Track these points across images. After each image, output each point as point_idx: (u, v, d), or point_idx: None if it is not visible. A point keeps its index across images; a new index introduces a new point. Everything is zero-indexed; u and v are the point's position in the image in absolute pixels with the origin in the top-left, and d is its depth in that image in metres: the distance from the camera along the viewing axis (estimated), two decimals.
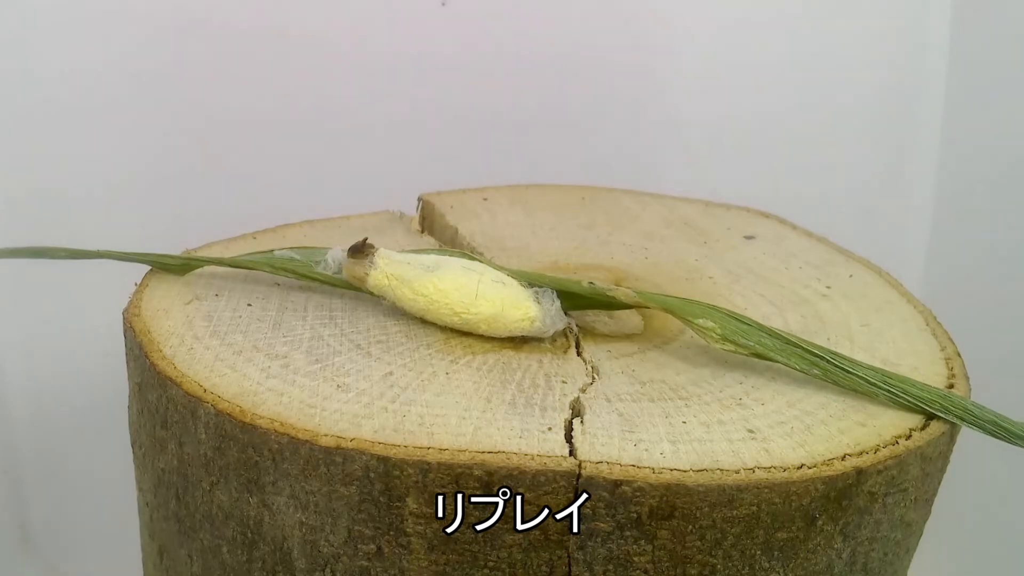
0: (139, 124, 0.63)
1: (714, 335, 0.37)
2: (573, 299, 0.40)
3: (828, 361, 0.36)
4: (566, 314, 0.39)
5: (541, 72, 0.68)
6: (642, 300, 0.38)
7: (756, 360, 0.37)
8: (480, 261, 0.40)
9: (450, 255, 0.41)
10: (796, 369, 0.36)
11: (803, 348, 0.37)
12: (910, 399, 0.35)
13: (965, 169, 0.71)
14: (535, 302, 0.38)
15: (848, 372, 0.36)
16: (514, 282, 0.39)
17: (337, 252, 0.41)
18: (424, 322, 0.40)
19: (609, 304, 0.40)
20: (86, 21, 0.61)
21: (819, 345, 0.37)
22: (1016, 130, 0.66)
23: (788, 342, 0.37)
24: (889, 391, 0.35)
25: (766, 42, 0.70)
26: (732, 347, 0.37)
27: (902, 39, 0.72)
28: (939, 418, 0.35)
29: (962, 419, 0.35)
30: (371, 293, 0.40)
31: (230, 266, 0.43)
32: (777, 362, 0.37)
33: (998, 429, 0.35)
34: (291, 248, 0.43)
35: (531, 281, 0.40)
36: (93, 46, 0.61)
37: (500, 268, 0.40)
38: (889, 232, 0.74)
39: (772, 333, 0.37)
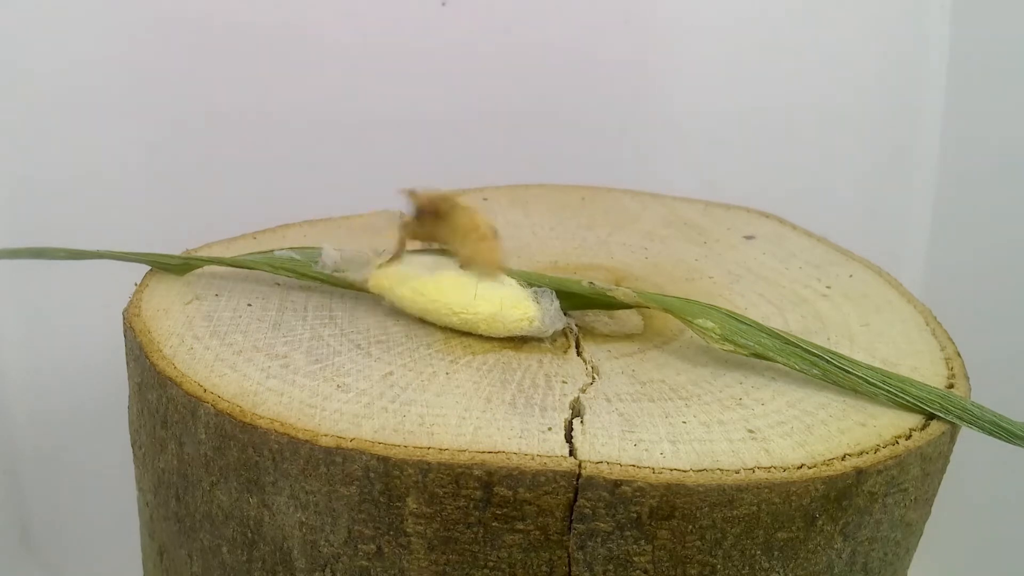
0: (138, 123, 0.63)
1: (714, 335, 0.37)
2: (573, 299, 0.40)
3: (827, 361, 0.36)
4: (566, 314, 0.39)
5: (541, 72, 0.68)
6: (642, 300, 0.38)
7: (756, 360, 0.37)
8: None
9: (450, 256, 0.41)
10: (795, 369, 0.36)
11: (802, 348, 0.37)
12: (909, 399, 0.35)
13: (965, 169, 0.71)
14: (534, 302, 0.38)
15: (847, 372, 0.36)
16: (513, 282, 0.39)
17: (331, 251, 0.41)
18: (424, 322, 0.40)
19: (609, 304, 0.40)
20: (86, 20, 0.61)
21: (818, 345, 0.37)
22: (1016, 129, 0.66)
23: (787, 342, 0.37)
24: (888, 391, 0.35)
25: (766, 42, 0.70)
26: (732, 347, 0.37)
27: (902, 37, 0.72)
28: (939, 418, 0.35)
29: (961, 419, 0.35)
30: (371, 293, 0.40)
31: (230, 266, 0.43)
32: (777, 362, 0.37)
33: (997, 429, 0.35)
34: (291, 248, 0.43)
35: (531, 281, 0.40)
36: (93, 44, 0.61)
37: None
38: (889, 232, 0.74)
39: (772, 333, 0.37)
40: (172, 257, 0.43)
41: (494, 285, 0.38)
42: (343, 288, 0.42)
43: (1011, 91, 0.67)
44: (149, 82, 0.63)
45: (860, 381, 0.36)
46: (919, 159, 0.73)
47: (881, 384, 0.35)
